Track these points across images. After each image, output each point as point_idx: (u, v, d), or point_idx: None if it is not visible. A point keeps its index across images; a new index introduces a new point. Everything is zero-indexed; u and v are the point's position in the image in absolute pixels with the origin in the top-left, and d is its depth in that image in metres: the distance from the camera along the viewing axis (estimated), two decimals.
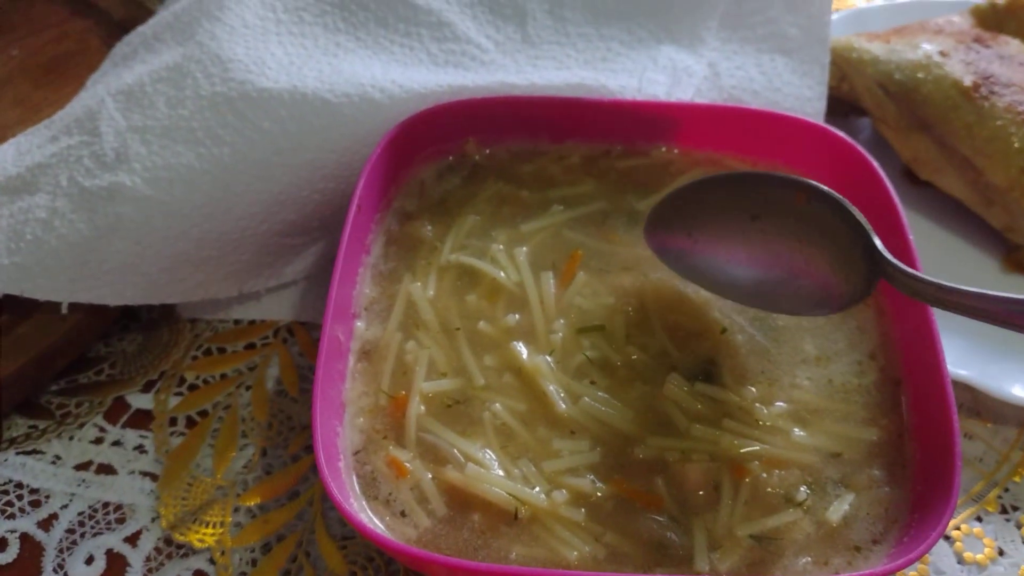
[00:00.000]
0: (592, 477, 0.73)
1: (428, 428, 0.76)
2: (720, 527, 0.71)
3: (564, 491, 0.72)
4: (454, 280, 0.85)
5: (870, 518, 0.72)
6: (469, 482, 0.73)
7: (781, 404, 0.77)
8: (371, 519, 0.71)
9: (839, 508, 0.72)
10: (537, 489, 0.73)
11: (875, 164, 0.85)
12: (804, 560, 0.70)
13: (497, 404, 0.77)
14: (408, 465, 0.74)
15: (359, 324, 0.81)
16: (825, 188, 0.75)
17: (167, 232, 0.86)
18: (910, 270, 0.70)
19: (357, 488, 0.73)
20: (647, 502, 0.72)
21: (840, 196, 0.75)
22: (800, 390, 0.78)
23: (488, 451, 0.75)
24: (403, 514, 0.72)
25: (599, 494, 0.73)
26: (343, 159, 0.88)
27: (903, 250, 0.80)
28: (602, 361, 0.79)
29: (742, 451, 0.74)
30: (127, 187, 0.84)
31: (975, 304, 0.66)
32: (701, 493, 0.73)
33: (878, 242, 0.72)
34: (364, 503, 0.72)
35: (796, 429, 0.76)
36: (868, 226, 0.73)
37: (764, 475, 0.74)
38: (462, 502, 0.73)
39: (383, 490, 0.73)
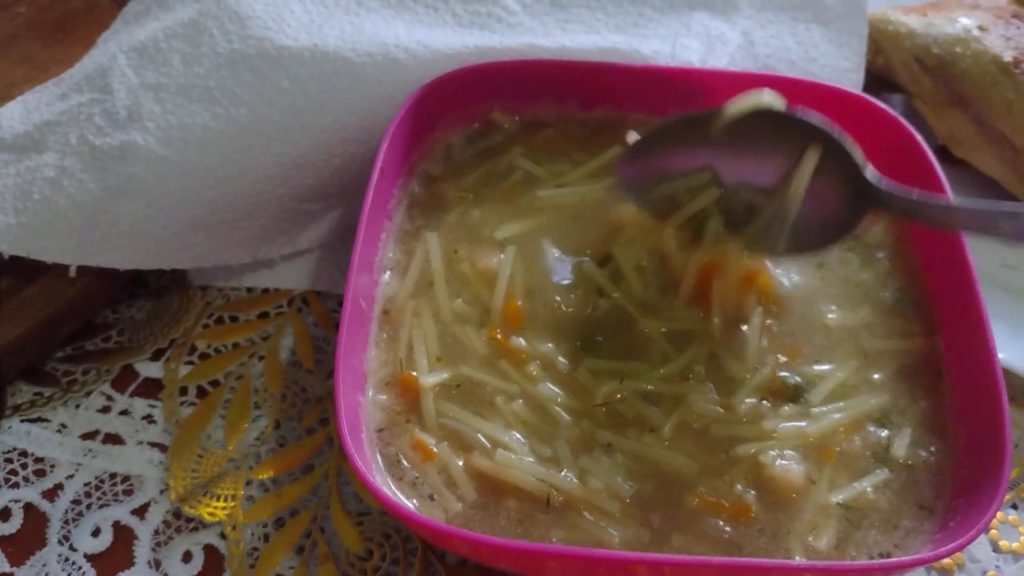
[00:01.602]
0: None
1: (446, 412, 0.72)
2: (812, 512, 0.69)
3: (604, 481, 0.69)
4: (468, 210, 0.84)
5: (910, 503, 0.70)
6: (500, 470, 0.69)
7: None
8: (396, 496, 0.68)
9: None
10: (566, 473, 0.69)
11: (919, 137, 0.82)
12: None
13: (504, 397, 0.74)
14: (434, 449, 0.71)
15: (380, 287, 0.78)
16: (809, 119, 0.72)
17: (180, 194, 0.82)
18: (896, 191, 0.70)
19: (381, 465, 0.70)
20: (735, 512, 0.69)
21: (823, 123, 0.72)
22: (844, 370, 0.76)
23: (514, 432, 0.72)
24: (431, 497, 0.69)
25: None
26: (365, 121, 0.84)
27: None
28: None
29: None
30: (139, 146, 0.81)
31: (965, 218, 0.68)
32: (795, 496, 0.70)
33: (863, 164, 0.71)
34: (389, 481, 0.69)
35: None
36: (857, 154, 0.71)
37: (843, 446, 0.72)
38: (494, 488, 0.69)
39: (408, 473, 0.70)
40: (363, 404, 0.72)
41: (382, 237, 0.80)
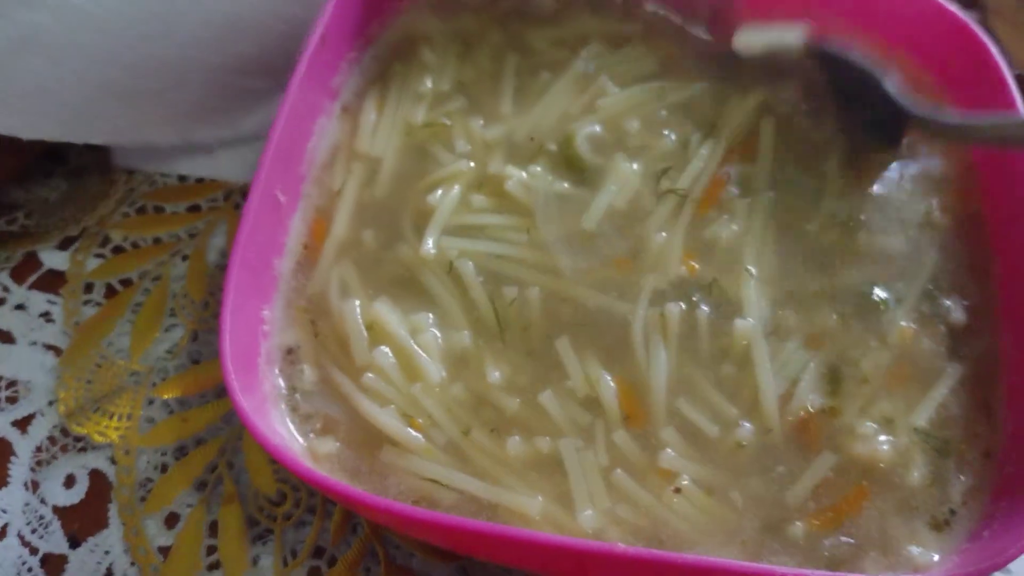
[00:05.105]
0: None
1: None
2: None
3: None
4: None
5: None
6: None
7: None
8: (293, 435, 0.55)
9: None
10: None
11: (992, 48, 0.66)
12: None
13: None
14: None
15: (309, 182, 0.64)
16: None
17: (94, 52, 0.69)
18: (928, 114, 0.64)
19: (284, 407, 0.57)
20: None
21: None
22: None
23: None
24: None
25: None
26: None
27: None
28: None
29: None
30: None
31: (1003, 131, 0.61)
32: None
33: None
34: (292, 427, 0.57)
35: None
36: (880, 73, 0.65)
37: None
38: None
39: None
40: (268, 319, 0.58)
41: (320, 121, 0.66)
